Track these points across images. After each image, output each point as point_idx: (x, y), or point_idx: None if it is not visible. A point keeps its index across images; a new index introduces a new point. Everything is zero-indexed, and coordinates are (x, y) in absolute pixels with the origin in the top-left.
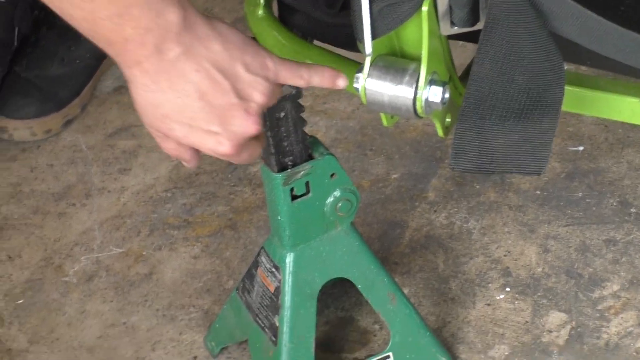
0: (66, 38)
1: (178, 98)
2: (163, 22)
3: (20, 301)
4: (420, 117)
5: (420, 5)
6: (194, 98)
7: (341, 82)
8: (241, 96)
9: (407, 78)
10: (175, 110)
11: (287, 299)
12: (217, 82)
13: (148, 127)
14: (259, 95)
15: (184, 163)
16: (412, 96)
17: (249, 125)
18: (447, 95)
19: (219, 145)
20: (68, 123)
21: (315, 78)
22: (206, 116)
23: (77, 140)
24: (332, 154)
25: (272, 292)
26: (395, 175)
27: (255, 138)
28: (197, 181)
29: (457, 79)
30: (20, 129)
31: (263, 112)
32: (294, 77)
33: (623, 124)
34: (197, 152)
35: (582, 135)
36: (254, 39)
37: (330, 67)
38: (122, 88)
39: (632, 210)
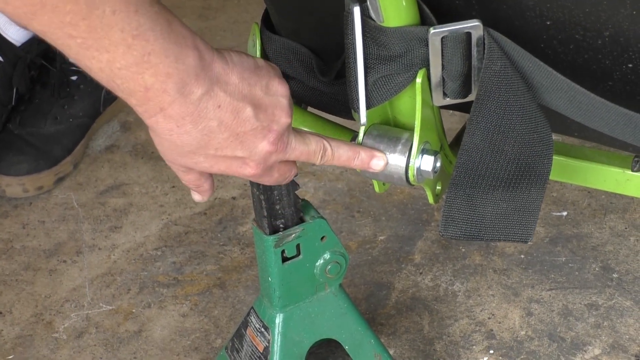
0: (60, 97)
1: (204, 135)
2: (182, 67)
3: (11, 357)
4: (412, 185)
5: (414, 77)
6: (218, 131)
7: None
8: (264, 118)
9: (400, 147)
10: (202, 146)
11: (275, 358)
12: (238, 111)
13: (169, 163)
14: (281, 113)
15: (197, 196)
16: (404, 165)
17: (267, 145)
18: (438, 164)
19: (245, 167)
20: (60, 180)
21: None
22: (231, 144)
23: (69, 197)
24: (323, 218)
25: (261, 351)
26: (382, 237)
27: (288, 160)
28: (187, 240)
29: (448, 148)
30: (13, 186)
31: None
32: None
33: (606, 190)
34: (213, 184)
35: (566, 200)
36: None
37: None
38: (114, 147)
39: (614, 275)
